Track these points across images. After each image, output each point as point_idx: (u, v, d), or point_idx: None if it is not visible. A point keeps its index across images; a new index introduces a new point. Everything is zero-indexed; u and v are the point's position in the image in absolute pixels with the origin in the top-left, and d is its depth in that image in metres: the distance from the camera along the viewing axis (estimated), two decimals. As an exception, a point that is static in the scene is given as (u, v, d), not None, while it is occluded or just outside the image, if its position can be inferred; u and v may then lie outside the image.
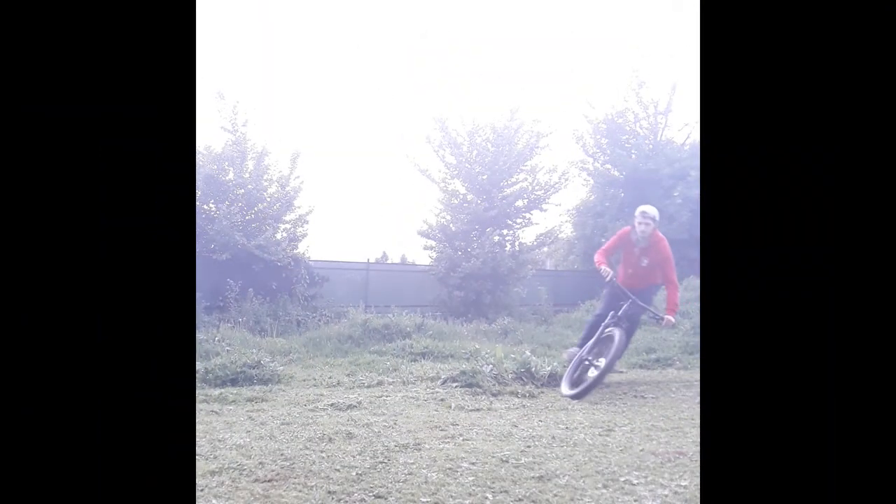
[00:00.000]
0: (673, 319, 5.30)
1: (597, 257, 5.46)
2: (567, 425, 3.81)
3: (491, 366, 5.39)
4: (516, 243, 13.13)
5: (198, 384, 5.14)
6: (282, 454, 3.03)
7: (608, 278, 5.21)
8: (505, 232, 13.06)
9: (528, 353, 5.89)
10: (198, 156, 10.31)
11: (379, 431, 3.57)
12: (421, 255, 17.28)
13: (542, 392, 5.09)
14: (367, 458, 2.97)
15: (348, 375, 5.89)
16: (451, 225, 12.84)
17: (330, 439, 3.35)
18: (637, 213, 5.34)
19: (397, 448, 3.17)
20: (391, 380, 5.59)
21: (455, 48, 38.99)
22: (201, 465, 2.78)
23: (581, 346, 5.47)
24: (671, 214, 14.18)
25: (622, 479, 2.66)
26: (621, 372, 6.20)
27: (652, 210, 5.30)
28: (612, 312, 5.27)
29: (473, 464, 2.88)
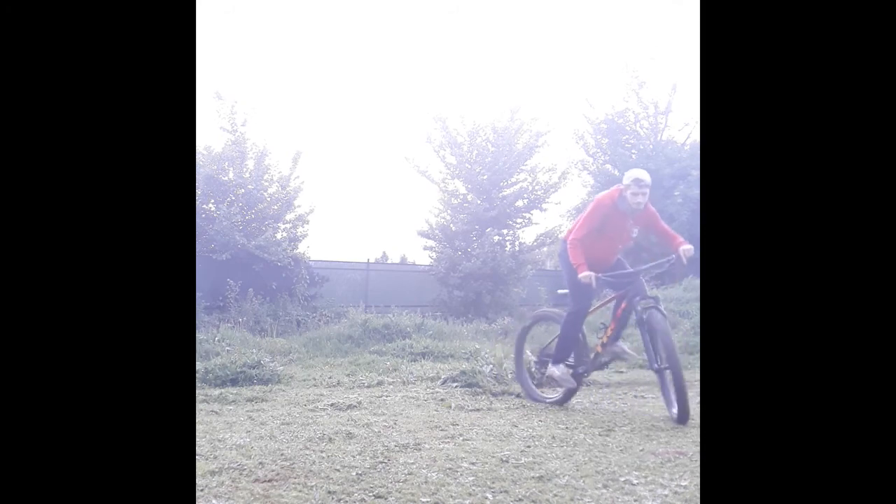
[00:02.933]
0: (691, 246, 4.16)
1: (574, 254, 4.24)
2: (567, 425, 3.81)
3: (491, 366, 5.39)
4: (516, 243, 13.14)
5: (198, 384, 5.14)
6: (282, 454, 3.03)
7: (592, 284, 4.17)
8: (505, 232, 13.07)
9: (528, 352, 5.89)
10: (198, 156, 10.31)
11: (379, 431, 3.57)
12: (421, 255, 17.29)
13: (542, 392, 5.08)
14: (367, 458, 2.97)
15: (348, 375, 5.89)
16: (451, 225, 12.86)
17: (330, 439, 3.35)
18: (628, 180, 4.19)
19: (397, 448, 3.17)
20: (391, 380, 5.59)
21: (456, 48, 38.99)
22: (201, 465, 2.78)
23: (559, 360, 4.46)
24: (671, 214, 14.18)
25: (622, 479, 2.66)
26: (621, 372, 6.19)
27: (646, 176, 4.21)
28: (636, 299, 4.20)
29: (473, 464, 2.88)
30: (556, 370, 4.48)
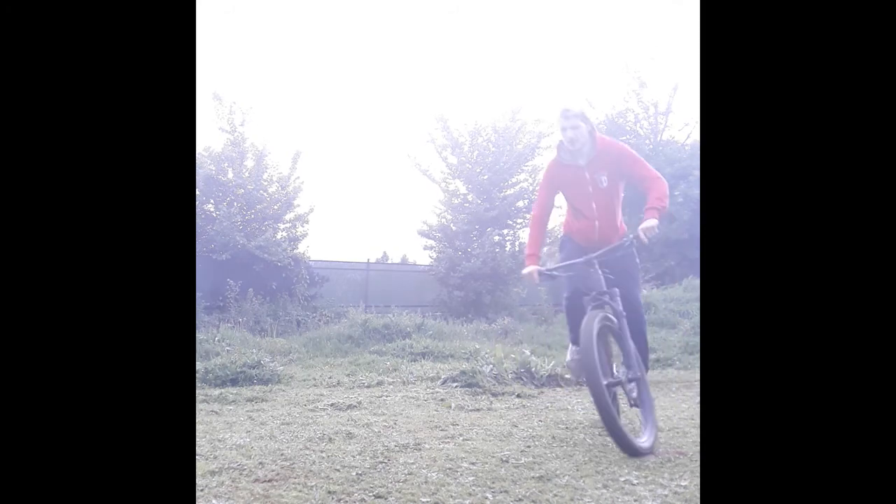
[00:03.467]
0: (655, 221, 3.24)
1: (529, 242, 3.68)
2: (567, 425, 3.81)
3: (491, 366, 5.39)
4: (516, 243, 13.16)
5: (198, 384, 5.15)
6: (282, 454, 3.03)
7: (535, 280, 3.54)
8: (505, 232, 13.10)
9: (528, 353, 5.89)
10: (197, 156, 10.32)
11: (379, 431, 3.57)
12: (421, 255, 17.32)
13: (542, 392, 5.08)
14: (367, 458, 2.97)
15: (348, 375, 5.89)
16: (451, 225, 12.88)
17: (330, 439, 3.35)
18: (559, 117, 3.47)
19: (397, 448, 3.17)
20: (391, 380, 5.59)
21: (457, 48, 39.00)
22: (201, 465, 2.78)
23: (574, 340, 3.71)
24: (672, 214, 14.19)
25: (622, 479, 2.66)
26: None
27: (573, 105, 3.47)
28: (587, 297, 3.39)
29: (473, 464, 2.88)
30: (567, 351, 3.97)
